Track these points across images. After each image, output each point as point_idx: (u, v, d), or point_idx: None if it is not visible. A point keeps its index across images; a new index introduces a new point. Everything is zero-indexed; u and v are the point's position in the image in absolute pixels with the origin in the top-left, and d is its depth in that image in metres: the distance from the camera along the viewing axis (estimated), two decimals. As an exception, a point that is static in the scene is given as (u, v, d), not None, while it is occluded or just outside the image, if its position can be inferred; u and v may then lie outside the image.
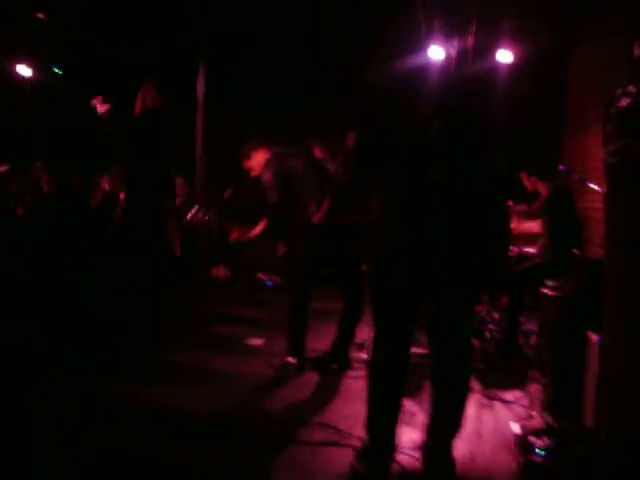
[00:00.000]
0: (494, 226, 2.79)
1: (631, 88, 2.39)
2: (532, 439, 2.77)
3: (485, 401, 3.75)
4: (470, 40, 7.00)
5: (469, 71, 7.08)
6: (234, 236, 5.09)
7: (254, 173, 4.59)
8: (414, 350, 4.67)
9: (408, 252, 2.65)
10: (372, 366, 2.84)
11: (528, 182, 5.11)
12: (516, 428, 2.98)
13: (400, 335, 2.75)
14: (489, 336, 4.69)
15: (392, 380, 2.75)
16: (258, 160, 4.53)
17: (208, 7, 7.12)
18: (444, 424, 2.72)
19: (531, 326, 4.93)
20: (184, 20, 7.41)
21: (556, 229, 4.78)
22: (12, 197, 5.92)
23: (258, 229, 4.81)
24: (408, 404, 3.32)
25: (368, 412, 2.76)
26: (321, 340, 4.49)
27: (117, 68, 8.53)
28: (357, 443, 2.93)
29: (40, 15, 7.67)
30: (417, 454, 2.80)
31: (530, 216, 5.32)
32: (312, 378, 4.17)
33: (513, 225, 5.44)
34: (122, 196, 6.57)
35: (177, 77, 8.21)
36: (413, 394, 3.69)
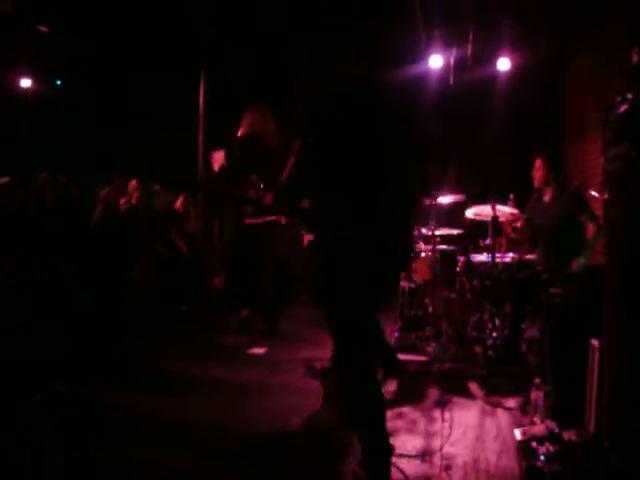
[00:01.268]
0: None
1: (629, 95, 2.41)
2: (535, 445, 2.76)
3: (487, 407, 3.74)
4: (469, 49, 7.05)
5: (467, 79, 7.14)
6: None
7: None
8: (414, 358, 4.74)
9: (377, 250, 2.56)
10: (343, 379, 2.79)
11: (540, 175, 4.78)
12: (518, 434, 2.97)
13: (364, 338, 2.70)
14: (491, 343, 4.69)
15: (367, 391, 2.73)
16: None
17: (209, 16, 7.17)
18: None
19: (533, 333, 4.93)
20: (185, 30, 7.45)
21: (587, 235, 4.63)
22: (14, 208, 5.93)
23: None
24: (409, 411, 3.32)
25: (355, 424, 2.73)
26: (325, 348, 4.47)
27: (119, 80, 8.58)
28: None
29: (42, 28, 7.72)
30: (419, 460, 2.80)
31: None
32: (313, 386, 4.17)
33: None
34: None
35: (178, 87, 8.28)
36: (414, 401, 3.69)
